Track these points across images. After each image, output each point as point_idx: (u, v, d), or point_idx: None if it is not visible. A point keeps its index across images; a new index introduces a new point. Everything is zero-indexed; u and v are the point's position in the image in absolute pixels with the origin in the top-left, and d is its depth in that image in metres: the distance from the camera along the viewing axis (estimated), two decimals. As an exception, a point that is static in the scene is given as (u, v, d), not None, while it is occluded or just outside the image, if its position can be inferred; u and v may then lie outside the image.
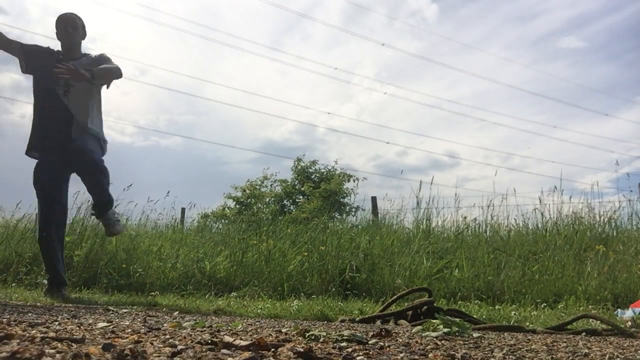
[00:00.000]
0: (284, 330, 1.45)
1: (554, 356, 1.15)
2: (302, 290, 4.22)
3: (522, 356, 1.13)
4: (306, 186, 13.17)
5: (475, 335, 1.59)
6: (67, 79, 3.10)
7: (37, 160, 3.30)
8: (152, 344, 0.95)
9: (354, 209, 11.44)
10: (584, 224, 5.68)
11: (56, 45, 3.40)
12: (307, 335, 1.20)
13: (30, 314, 1.68)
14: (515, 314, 2.90)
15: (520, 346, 1.36)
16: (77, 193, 5.12)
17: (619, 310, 3.18)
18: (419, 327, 1.67)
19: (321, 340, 1.17)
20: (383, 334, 1.43)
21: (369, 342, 1.18)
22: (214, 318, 2.16)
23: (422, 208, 6.13)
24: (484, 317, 2.70)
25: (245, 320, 2.08)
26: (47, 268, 3.35)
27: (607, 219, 5.75)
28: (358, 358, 0.94)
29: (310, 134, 25.24)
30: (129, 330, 1.23)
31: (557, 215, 5.83)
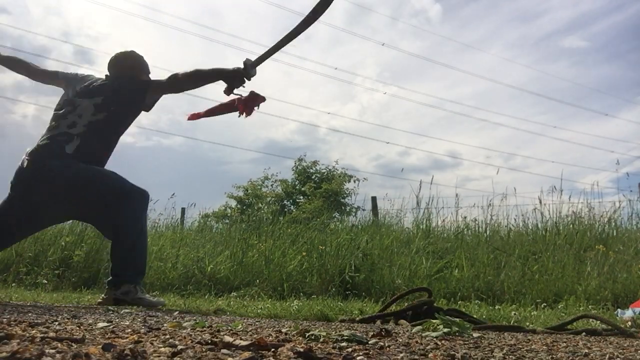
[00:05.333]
0: (284, 330, 1.45)
1: (554, 356, 1.15)
2: (302, 290, 4.22)
3: (522, 356, 1.13)
4: (307, 186, 13.18)
5: (475, 335, 1.59)
6: None
7: None
8: (152, 344, 0.95)
9: (354, 209, 11.45)
10: (584, 224, 5.68)
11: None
12: (307, 335, 1.20)
13: (30, 314, 1.68)
14: (515, 314, 2.89)
15: (520, 346, 1.36)
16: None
17: (619, 310, 3.18)
18: (419, 327, 1.67)
19: (321, 340, 1.17)
20: (383, 334, 1.43)
21: (369, 342, 1.18)
22: (214, 318, 2.16)
23: (422, 208, 6.14)
24: (484, 317, 2.70)
25: (245, 320, 2.08)
26: None
27: (607, 219, 5.75)
28: (358, 358, 0.94)
29: (311, 134, 25.28)
30: (129, 330, 1.23)
31: (557, 215, 5.83)
